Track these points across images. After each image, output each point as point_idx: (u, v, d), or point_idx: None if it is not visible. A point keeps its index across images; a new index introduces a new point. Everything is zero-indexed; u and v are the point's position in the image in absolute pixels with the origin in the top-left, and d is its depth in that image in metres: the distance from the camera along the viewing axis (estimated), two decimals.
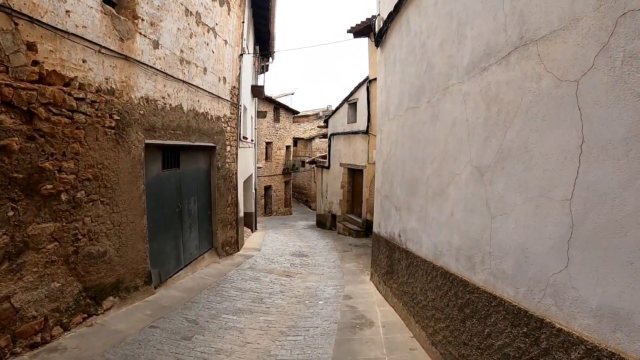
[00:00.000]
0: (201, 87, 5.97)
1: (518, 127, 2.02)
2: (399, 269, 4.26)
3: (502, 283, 2.11)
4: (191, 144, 5.64)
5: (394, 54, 4.93)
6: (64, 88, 3.37)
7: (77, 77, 3.50)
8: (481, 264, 2.34)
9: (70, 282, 3.54)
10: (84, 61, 3.59)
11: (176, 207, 5.40)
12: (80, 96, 3.55)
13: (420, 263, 3.50)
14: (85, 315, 3.74)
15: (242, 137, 8.06)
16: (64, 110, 3.35)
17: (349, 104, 12.12)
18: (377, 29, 5.89)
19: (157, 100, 4.77)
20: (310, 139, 23.28)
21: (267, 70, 14.19)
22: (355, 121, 11.77)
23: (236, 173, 7.36)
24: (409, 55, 4.14)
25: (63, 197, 3.38)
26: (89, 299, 3.80)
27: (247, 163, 8.98)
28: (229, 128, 7.06)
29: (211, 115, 6.42)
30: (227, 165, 6.94)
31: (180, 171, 5.50)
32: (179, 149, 5.41)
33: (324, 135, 19.73)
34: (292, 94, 24.57)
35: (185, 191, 5.64)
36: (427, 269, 3.30)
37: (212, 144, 6.35)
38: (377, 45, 6.01)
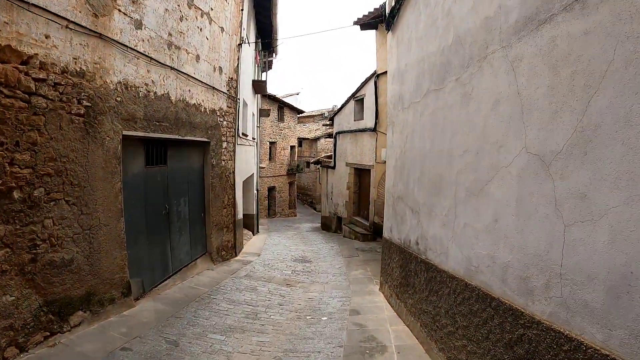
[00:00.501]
0: (193, 75, 5.41)
1: (612, 92, 1.38)
2: (416, 283, 3.61)
3: (583, 320, 1.46)
4: (181, 138, 5.07)
5: (408, 34, 4.30)
6: (21, 66, 2.82)
7: (37, 54, 2.96)
8: (545, 290, 1.68)
9: (27, 295, 2.98)
10: (47, 37, 3.04)
11: (163, 208, 4.82)
12: (41, 77, 2.99)
13: (446, 279, 2.85)
14: (47, 334, 3.17)
15: (241, 134, 7.49)
16: (18, 92, 2.80)
17: (356, 101, 11.49)
18: (388, 10, 5.27)
19: (138, 87, 4.21)
20: (316, 139, 22.63)
21: (270, 67, 13.66)
22: (362, 118, 11.14)
23: (233, 172, 6.79)
24: (429, 29, 3.50)
25: (16, 194, 2.82)
26: (52, 315, 3.23)
27: (247, 162, 8.40)
28: (225, 122, 6.49)
29: (204, 108, 5.85)
30: (222, 163, 6.37)
31: (168, 168, 4.93)
32: (166, 143, 4.84)
33: (330, 135, 19.03)
34: (297, 94, 23.94)
35: (173, 191, 5.07)
36: (456, 288, 2.65)
37: (206, 139, 5.77)
38: (387, 29, 5.39)
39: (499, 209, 2.12)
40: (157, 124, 4.52)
